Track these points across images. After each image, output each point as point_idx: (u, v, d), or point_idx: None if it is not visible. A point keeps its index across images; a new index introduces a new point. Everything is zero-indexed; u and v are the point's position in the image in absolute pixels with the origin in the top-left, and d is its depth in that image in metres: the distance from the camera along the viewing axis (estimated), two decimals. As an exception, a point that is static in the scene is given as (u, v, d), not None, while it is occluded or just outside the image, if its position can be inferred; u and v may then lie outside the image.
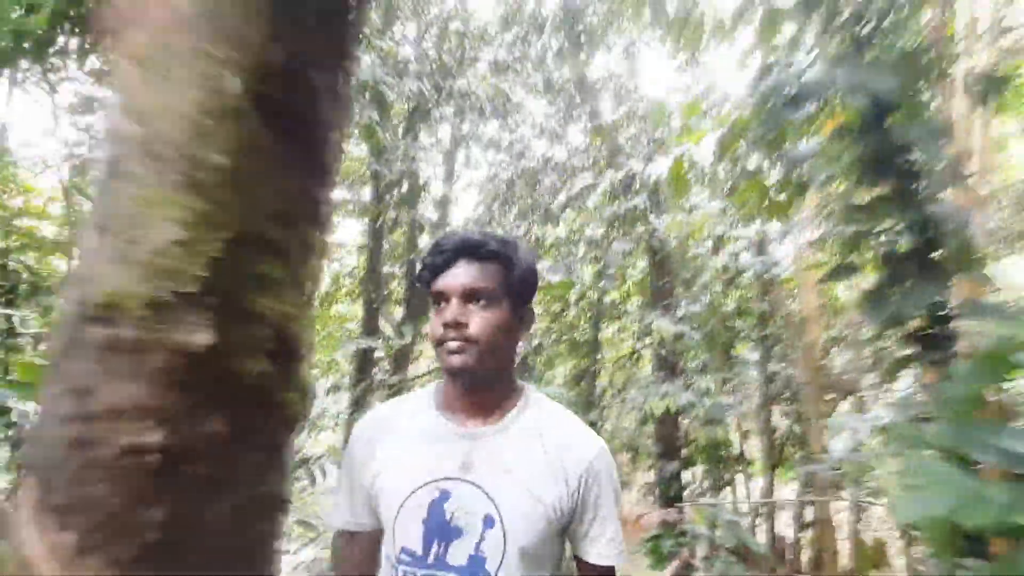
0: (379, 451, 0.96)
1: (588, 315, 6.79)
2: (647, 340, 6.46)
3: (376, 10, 5.09)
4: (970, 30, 2.82)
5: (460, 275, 0.91)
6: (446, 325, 0.89)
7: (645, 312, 5.94)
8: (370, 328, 7.03)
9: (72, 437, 0.88)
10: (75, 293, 0.88)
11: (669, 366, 5.61)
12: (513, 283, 0.93)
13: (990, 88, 1.76)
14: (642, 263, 6.48)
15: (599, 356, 7.01)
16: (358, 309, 9.17)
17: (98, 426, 0.87)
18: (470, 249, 0.92)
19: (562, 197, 5.91)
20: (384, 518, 0.93)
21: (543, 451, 0.94)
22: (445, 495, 0.90)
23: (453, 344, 0.89)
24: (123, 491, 0.89)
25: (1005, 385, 2.01)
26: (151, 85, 0.84)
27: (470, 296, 0.90)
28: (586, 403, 5.42)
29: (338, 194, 7.42)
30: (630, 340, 7.77)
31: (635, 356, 7.54)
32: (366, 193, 7.64)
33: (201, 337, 0.87)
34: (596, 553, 0.96)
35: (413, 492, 0.90)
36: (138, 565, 0.91)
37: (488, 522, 0.90)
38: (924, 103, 1.92)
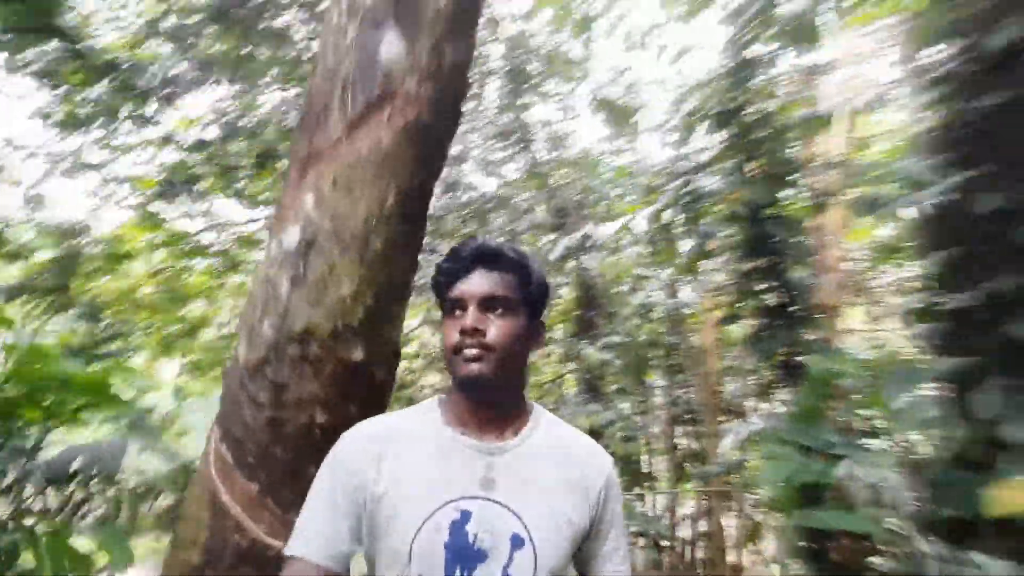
0: (383, 468, 0.88)
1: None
2: (571, 365, 7.22)
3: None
4: (827, 153, 3.89)
5: (479, 282, 0.89)
6: (463, 332, 0.86)
7: (573, 340, 6.70)
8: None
9: (269, 417, 1.36)
10: (274, 323, 1.35)
11: (592, 388, 6.38)
12: (529, 294, 0.92)
13: (822, 200, 2.65)
14: (571, 295, 7.28)
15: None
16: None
17: (288, 411, 1.35)
18: (489, 257, 0.90)
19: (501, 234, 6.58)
20: (390, 544, 0.84)
21: (564, 466, 0.91)
22: (466, 516, 0.84)
23: (471, 351, 0.86)
24: (296, 454, 1.37)
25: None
26: (340, 196, 1.36)
27: (488, 304, 0.88)
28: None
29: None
30: (553, 364, 8.53)
31: (560, 379, 8.29)
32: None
33: (357, 354, 1.39)
34: (612, 570, 0.93)
35: (432, 514, 0.83)
36: (295, 506, 1.37)
37: (516, 543, 0.84)
38: (785, 205, 2.78)
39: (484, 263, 0.89)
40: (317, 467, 1.40)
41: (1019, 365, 1.79)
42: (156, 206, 6.88)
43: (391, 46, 1.31)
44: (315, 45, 5.33)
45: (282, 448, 1.35)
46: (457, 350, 0.86)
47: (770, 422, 2.78)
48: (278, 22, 5.23)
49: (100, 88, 5.16)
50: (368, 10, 1.32)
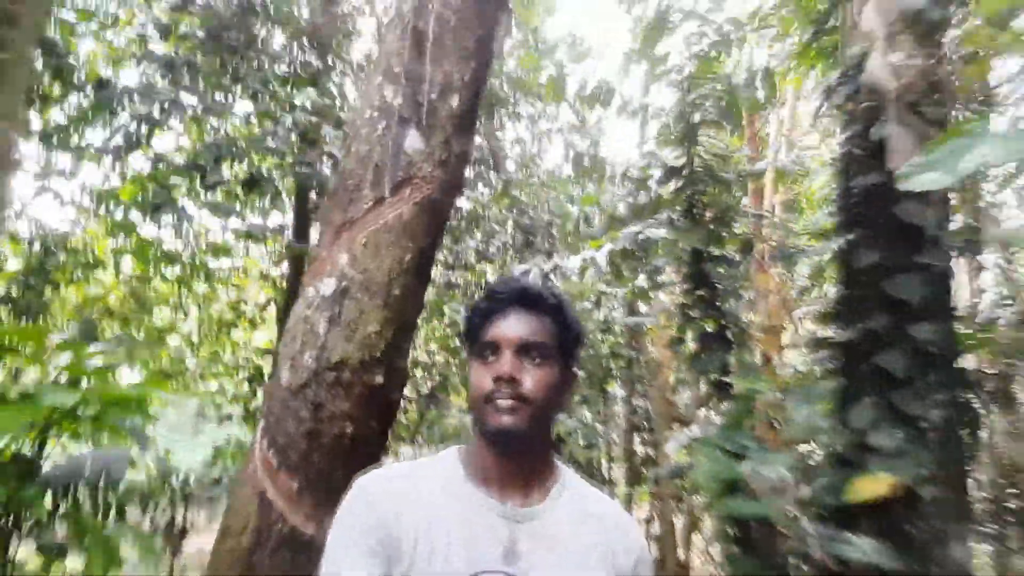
0: (402, 512, 0.82)
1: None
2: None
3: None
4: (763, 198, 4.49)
5: (517, 326, 0.84)
6: (498, 379, 0.82)
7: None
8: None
9: (308, 429, 1.72)
10: (314, 355, 1.73)
11: (557, 399, 6.85)
12: (566, 341, 0.87)
13: (747, 248, 3.21)
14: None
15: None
16: (258, 335, 9.32)
17: (324, 424, 1.73)
18: (528, 299, 0.86)
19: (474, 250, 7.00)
20: None
21: (593, 537, 0.86)
22: None
23: (505, 402, 0.81)
24: (330, 459, 1.75)
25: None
26: (369, 255, 1.76)
27: (525, 350, 0.83)
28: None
29: (253, 223, 7.75)
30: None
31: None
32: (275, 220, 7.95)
33: (379, 378, 1.78)
34: None
35: None
36: (328, 502, 1.75)
37: None
38: (723, 245, 3.30)
39: (522, 304, 0.86)
40: (346, 469, 1.80)
41: (885, 387, 2.33)
42: (131, 215, 6.96)
43: (414, 140, 1.71)
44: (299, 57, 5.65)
45: (319, 454, 1.72)
46: (488, 399, 0.82)
47: (707, 430, 3.28)
48: (263, 36, 5.48)
49: (84, 103, 5.30)
50: (396, 112, 1.72)
